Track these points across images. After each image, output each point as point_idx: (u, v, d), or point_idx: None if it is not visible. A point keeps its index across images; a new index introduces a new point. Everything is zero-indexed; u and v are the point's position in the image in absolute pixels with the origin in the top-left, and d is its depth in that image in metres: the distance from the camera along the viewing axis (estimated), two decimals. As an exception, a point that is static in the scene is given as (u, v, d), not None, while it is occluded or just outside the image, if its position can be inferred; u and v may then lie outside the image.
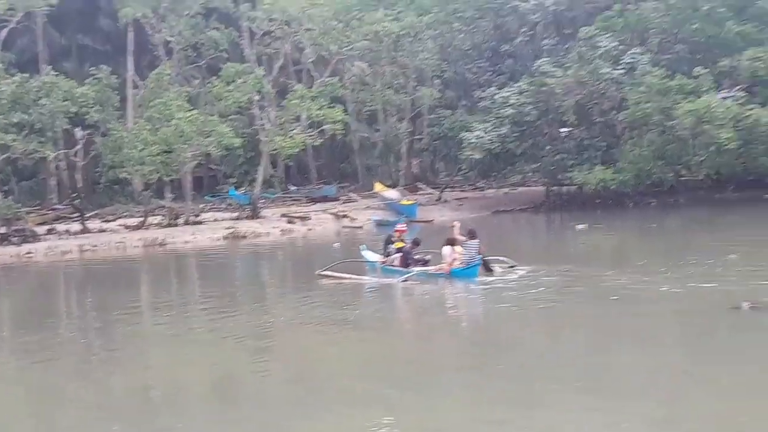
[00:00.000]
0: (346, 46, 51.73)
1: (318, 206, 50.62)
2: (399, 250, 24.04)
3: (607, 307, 17.19)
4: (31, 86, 41.69)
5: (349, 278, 23.26)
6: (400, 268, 23.14)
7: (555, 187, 50.56)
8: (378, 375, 13.00)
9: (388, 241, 24.78)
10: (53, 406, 12.55)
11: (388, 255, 24.32)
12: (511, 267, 22.64)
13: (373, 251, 26.07)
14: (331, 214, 47.46)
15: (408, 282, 21.95)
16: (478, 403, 11.20)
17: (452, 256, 22.00)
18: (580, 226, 35.79)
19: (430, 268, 22.77)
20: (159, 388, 13.58)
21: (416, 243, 24.24)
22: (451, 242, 22.38)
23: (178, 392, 13.11)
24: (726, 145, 40.35)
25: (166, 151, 43.04)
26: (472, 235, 22.37)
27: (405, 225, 27.27)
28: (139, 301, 24.21)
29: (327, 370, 13.92)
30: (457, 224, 24.06)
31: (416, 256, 23.48)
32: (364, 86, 60.15)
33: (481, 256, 21.89)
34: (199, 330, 18.10)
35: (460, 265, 21.82)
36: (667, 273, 20.42)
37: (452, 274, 21.80)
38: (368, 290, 22.68)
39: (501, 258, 23.01)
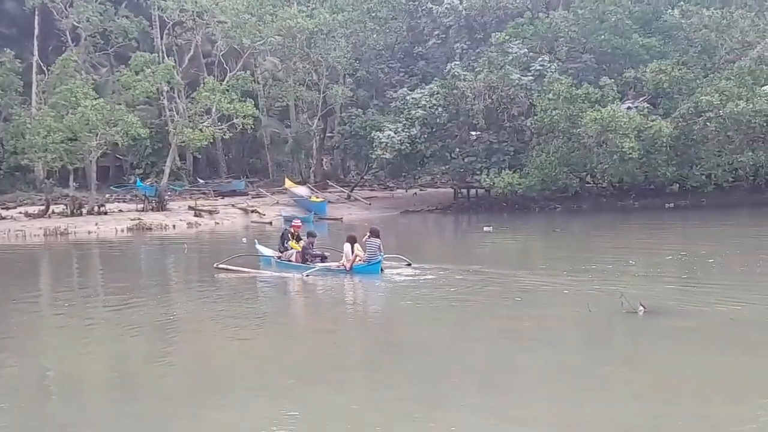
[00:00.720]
0: (259, 41, 51.41)
1: (226, 200, 50.30)
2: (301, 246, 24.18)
3: (509, 307, 17.46)
4: (-70, 67, 40.39)
5: (248, 272, 23.42)
6: (299, 264, 23.33)
7: (463, 190, 51.21)
8: (282, 370, 12.94)
9: (285, 237, 24.90)
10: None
11: (284, 251, 24.41)
12: (408, 265, 22.92)
13: (266, 246, 26.17)
14: (240, 208, 47.20)
15: (310, 277, 22.06)
16: (383, 400, 11.26)
17: (354, 253, 22.28)
18: (486, 228, 36.26)
19: (332, 264, 23.01)
20: (53, 376, 13.27)
21: (312, 235, 24.48)
22: (352, 240, 22.68)
23: (73, 381, 12.81)
24: (629, 154, 41.39)
25: (70, 139, 42.22)
26: (374, 233, 22.70)
27: (300, 221, 27.46)
28: (38, 291, 23.62)
29: (230, 363, 13.80)
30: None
31: (315, 252, 23.72)
32: (276, 81, 60.00)
33: (382, 254, 22.30)
34: (99, 321, 17.74)
35: (361, 262, 22.19)
36: (568, 276, 20.84)
37: (354, 271, 22.12)
38: (271, 284, 22.72)
39: (399, 256, 23.30)
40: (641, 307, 15.65)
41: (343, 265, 22.48)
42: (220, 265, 23.79)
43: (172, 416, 10.83)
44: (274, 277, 23.20)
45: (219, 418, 10.56)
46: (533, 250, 31.71)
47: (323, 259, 23.56)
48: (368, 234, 22.84)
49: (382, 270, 22.16)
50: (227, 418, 10.58)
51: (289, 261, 23.87)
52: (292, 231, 25.06)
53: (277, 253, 24.70)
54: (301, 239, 24.43)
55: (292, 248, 24.19)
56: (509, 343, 14.25)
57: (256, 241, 27.40)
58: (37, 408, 11.52)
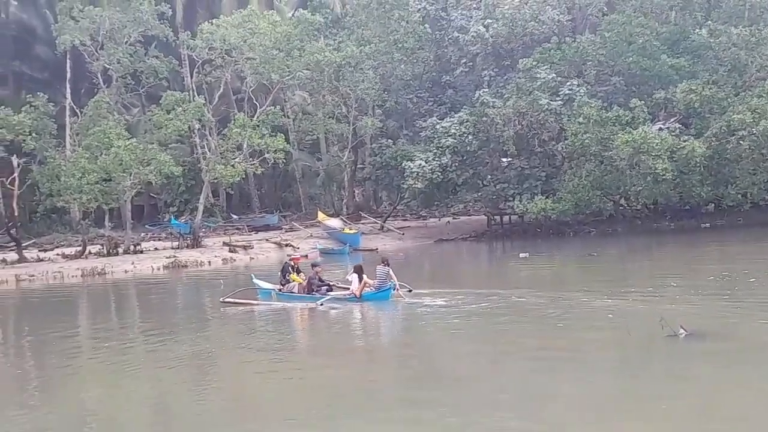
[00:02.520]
0: (288, 75, 51.75)
1: (260, 235, 50.39)
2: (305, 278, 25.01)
3: (549, 332, 17.31)
4: (-34, 114, 41.07)
5: (256, 303, 24.42)
6: (302, 294, 24.10)
7: (496, 217, 51.03)
8: (320, 402, 12.88)
9: (285, 270, 25.59)
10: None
11: (285, 283, 25.10)
12: (409, 291, 23.60)
13: (263, 280, 26.81)
14: (274, 242, 47.30)
15: (324, 305, 22.64)
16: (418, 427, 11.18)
17: (363, 281, 23.15)
18: (522, 254, 36.07)
19: (341, 293, 23.85)
20: (96, 420, 13.31)
21: (315, 265, 25.61)
22: (359, 270, 23.58)
23: (115, 424, 12.85)
24: (662, 175, 41.05)
25: (105, 180, 42.57)
26: (384, 262, 23.66)
27: (301, 255, 29.68)
28: (78, 331, 23.78)
29: (266, 396, 13.79)
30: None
31: (321, 282, 24.46)
32: (306, 115, 60.31)
33: (392, 281, 23.08)
34: (138, 359, 17.85)
35: (371, 289, 23.02)
36: (607, 299, 20.67)
37: (363, 298, 22.88)
38: (288, 316, 23.06)
39: (401, 283, 23.69)
40: (682, 330, 15.47)
41: (352, 293, 23.17)
42: (226, 299, 24.50)
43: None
44: (286, 308, 23.75)
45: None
46: (570, 274, 31.48)
47: (330, 288, 24.28)
48: (381, 262, 23.73)
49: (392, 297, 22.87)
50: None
51: (291, 292, 24.58)
52: (293, 264, 25.92)
53: (278, 286, 25.36)
54: (301, 272, 25.42)
55: (293, 281, 24.94)
56: (548, 370, 14.09)
57: (252, 275, 28.12)
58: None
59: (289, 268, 25.58)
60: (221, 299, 24.75)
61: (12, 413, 13.70)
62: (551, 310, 19.99)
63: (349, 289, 23.78)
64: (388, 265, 23.48)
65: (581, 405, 11.86)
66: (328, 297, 23.45)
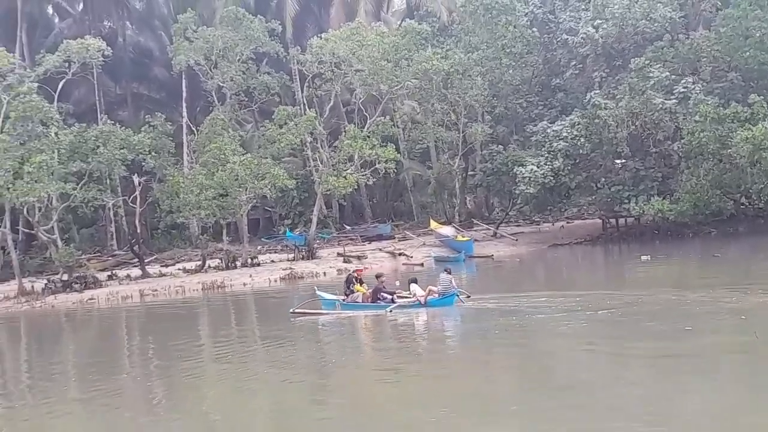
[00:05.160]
0: (396, 86, 52.00)
1: (374, 245, 50.70)
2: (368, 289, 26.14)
3: (676, 336, 16.90)
4: (89, 135, 42.67)
5: (327, 313, 25.65)
6: (366, 303, 25.33)
7: (612, 219, 50.15)
8: (442, 409, 12.87)
9: (349, 281, 26.58)
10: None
11: (349, 293, 26.04)
12: (467, 297, 24.88)
13: (325, 292, 27.75)
14: (387, 252, 47.52)
15: (393, 312, 24.07)
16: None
17: (428, 288, 24.64)
18: (644, 257, 35.34)
19: (406, 300, 24.93)
20: (220, 427, 13.62)
21: (378, 276, 26.80)
22: (414, 281, 25.50)
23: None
24: (785, 172, 39.68)
25: (222, 195, 43.55)
26: (447, 271, 25.18)
27: (364, 267, 31.97)
28: (200, 341, 24.42)
29: (385, 403, 13.86)
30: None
31: (386, 291, 25.50)
32: (415, 124, 60.47)
33: (456, 288, 24.51)
34: (259, 367, 18.20)
35: (436, 296, 24.25)
36: (737, 302, 20.08)
37: (428, 304, 24.12)
38: (380, 324, 23.71)
39: (460, 289, 25.11)
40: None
41: (417, 299, 24.49)
42: (296, 310, 25.77)
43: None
44: (352, 317, 24.85)
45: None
46: (694, 276, 30.57)
47: (393, 297, 25.18)
48: (444, 271, 25.26)
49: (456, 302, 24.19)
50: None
51: (355, 302, 25.69)
52: (356, 275, 26.98)
53: (341, 297, 26.30)
54: (363, 283, 26.57)
55: (357, 291, 25.99)
56: (672, 375, 13.73)
57: (315, 288, 29.22)
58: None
59: (353, 279, 26.68)
60: (291, 310, 25.94)
61: (142, 419, 14.17)
62: (677, 312, 19.53)
63: (410, 297, 24.78)
64: (450, 273, 24.78)
65: (704, 413, 11.50)
66: (395, 305, 24.54)
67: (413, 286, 25.07)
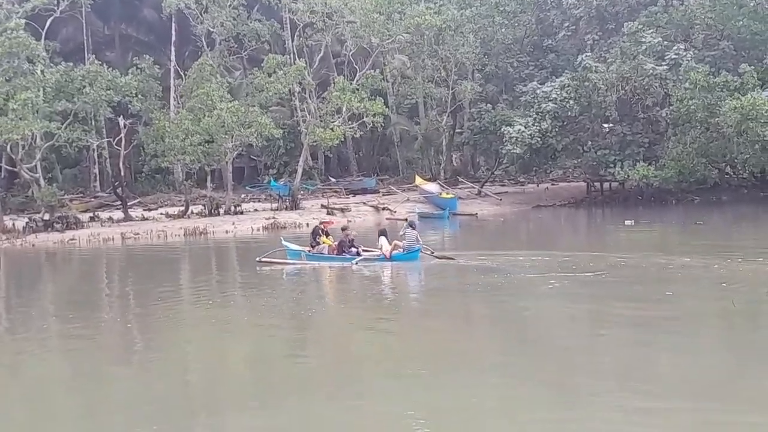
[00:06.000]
0: (388, 39, 51.67)
1: (358, 198, 50.72)
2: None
3: (655, 301, 16.99)
4: (76, 75, 42.29)
5: (290, 263, 25.96)
6: (332, 255, 25.59)
7: (596, 183, 50.29)
8: (422, 361, 12.93)
9: (316, 233, 26.97)
10: (96, 391, 12.63)
11: (315, 245, 26.39)
12: (431, 253, 25.10)
13: (291, 242, 28.15)
14: (371, 206, 47.56)
15: (359, 264, 24.40)
16: (514, 395, 11.12)
17: (394, 243, 24.90)
18: (628, 222, 35.50)
19: (371, 254, 25.28)
20: (197, 372, 13.65)
21: (343, 229, 27.26)
22: (383, 233, 26.07)
23: (217, 378, 13.13)
24: (771, 143, 39.74)
25: (207, 141, 43.39)
26: (411, 225, 25.38)
27: (330, 220, 32.46)
28: (180, 286, 24.40)
29: (369, 354, 13.89)
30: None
31: (351, 245, 25.76)
32: (405, 79, 60.24)
33: (420, 244, 24.79)
34: (239, 313, 18.23)
35: (400, 251, 24.62)
36: (720, 269, 20.19)
37: (393, 258, 24.53)
38: (349, 275, 23.86)
39: (426, 246, 25.43)
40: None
41: (382, 254, 24.83)
42: (263, 259, 25.92)
43: (313, 405, 10.96)
44: (316, 268, 25.27)
45: (359, 405, 10.71)
46: (676, 242, 30.68)
47: (359, 251, 25.43)
48: (406, 225, 25.57)
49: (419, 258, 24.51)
50: (367, 405, 10.69)
51: (321, 253, 26.03)
52: (323, 228, 27.51)
53: (307, 248, 26.72)
54: (329, 235, 26.92)
55: (323, 243, 26.32)
56: (650, 341, 13.80)
57: (282, 237, 29.70)
58: (184, 402, 11.87)
59: (320, 231, 27.05)
60: (257, 258, 26.10)
61: (119, 360, 14.20)
62: (658, 277, 19.64)
63: (375, 251, 25.35)
64: (415, 228, 25.05)
65: (681, 380, 11.56)
66: (361, 258, 24.88)
67: (381, 239, 25.43)
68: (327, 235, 26.93)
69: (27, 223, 40.42)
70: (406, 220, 42.32)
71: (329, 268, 24.83)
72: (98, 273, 29.99)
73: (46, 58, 43.34)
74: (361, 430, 10.18)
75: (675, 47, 45.55)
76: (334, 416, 10.54)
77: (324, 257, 25.85)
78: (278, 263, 25.80)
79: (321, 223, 29.36)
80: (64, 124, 41.49)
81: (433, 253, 25.19)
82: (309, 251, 26.50)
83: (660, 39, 46.00)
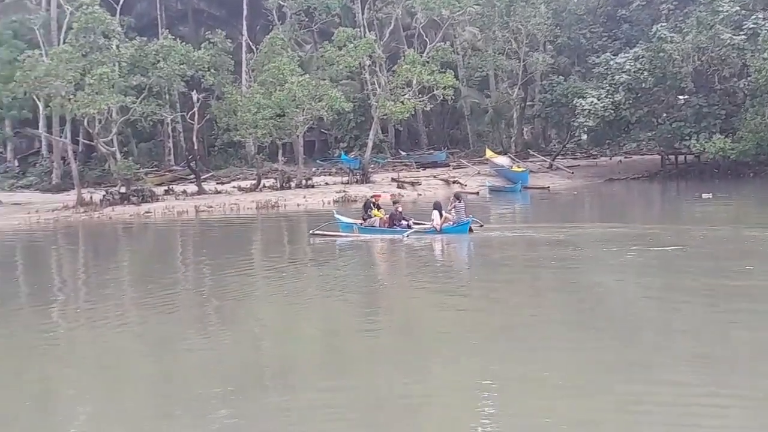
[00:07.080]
0: (458, 11, 51.28)
1: (428, 172, 50.64)
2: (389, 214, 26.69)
3: (734, 274, 16.68)
4: (150, 50, 42.78)
5: (344, 236, 26.47)
6: (384, 228, 26.01)
7: (671, 156, 49.40)
8: (491, 335, 12.93)
9: (367, 206, 27.62)
10: (171, 359, 12.92)
11: (367, 218, 26.79)
12: (480, 226, 25.58)
13: (343, 215, 28.91)
14: (442, 179, 47.45)
15: (410, 237, 24.75)
16: (584, 369, 11.06)
17: (444, 216, 25.14)
18: (705, 195, 34.75)
19: (422, 227, 25.68)
20: (269, 343, 13.83)
21: (395, 202, 27.78)
22: (438, 206, 25.66)
23: (288, 349, 13.29)
24: None
25: (278, 115, 43.70)
26: (458, 198, 25.97)
27: (381, 193, 32.56)
28: (252, 260, 24.72)
29: (434, 327, 13.92)
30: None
31: (402, 217, 26.25)
32: (476, 51, 59.81)
33: (471, 217, 25.28)
34: (309, 288, 18.41)
35: (451, 224, 24.95)
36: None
37: (443, 231, 24.85)
38: (441, 249, 24.15)
39: (475, 219, 25.79)
40: None
41: (433, 226, 25.13)
42: (316, 232, 26.52)
43: (383, 381, 11.05)
44: (368, 240, 25.42)
45: (430, 375, 10.75)
46: (756, 216, 29.87)
47: (409, 223, 25.88)
48: (454, 199, 25.99)
49: (470, 230, 24.80)
50: (437, 375, 10.74)
51: (373, 226, 26.45)
52: (374, 201, 27.92)
53: (359, 221, 27.19)
54: (381, 208, 27.45)
55: (374, 216, 26.82)
56: (727, 316, 13.58)
57: (334, 211, 30.26)
58: (255, 371, 12.04)
59: (371, 204, 27.53)
60: (310, 232, 26.67)
61: (191, 329, 14.48)
62: (738, 251, 19.30)
63: (426, 224, 25.70)
64: (461, 201, 25.65)
65: (757, 351, 11.37)
66: (412, 230, 25.30)
67: (434, 213, 25.54)
68: (378, 208, 27.37)
69: (104, 196, 41.33)
70: (477, 194, 42.58)
71: (380, 240, 25.12)
72: (173, 245, 30.55)
73: (121, 33, 43.97)
74: (432, 398, 10.24)
75: (753, 16, 44.34)
76: (406, 385, 10.62)
77: (375, 230, 26.25)
78: (331, 236, 26.30)
79: (372, 196, 29.83)
80: (139, 99, 42.12)
81: (482, 226, 25.60)
82: (361, 224, 26.95)
83: (738, 8, 44.83)
